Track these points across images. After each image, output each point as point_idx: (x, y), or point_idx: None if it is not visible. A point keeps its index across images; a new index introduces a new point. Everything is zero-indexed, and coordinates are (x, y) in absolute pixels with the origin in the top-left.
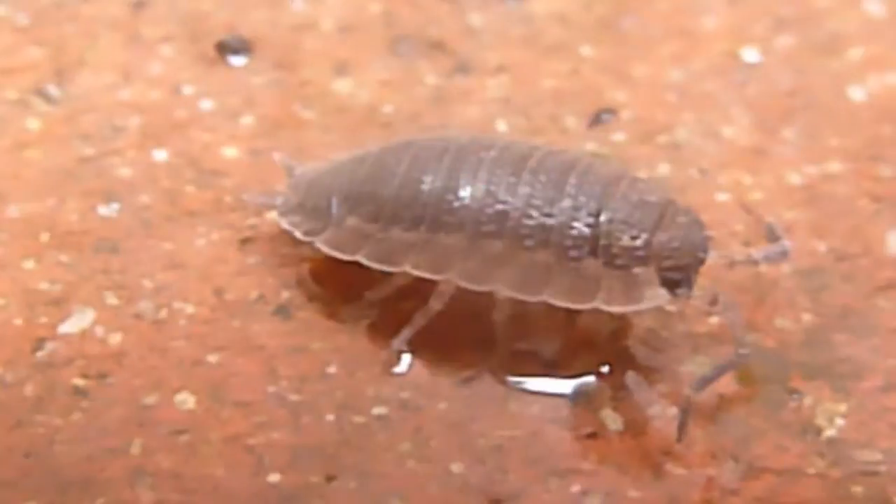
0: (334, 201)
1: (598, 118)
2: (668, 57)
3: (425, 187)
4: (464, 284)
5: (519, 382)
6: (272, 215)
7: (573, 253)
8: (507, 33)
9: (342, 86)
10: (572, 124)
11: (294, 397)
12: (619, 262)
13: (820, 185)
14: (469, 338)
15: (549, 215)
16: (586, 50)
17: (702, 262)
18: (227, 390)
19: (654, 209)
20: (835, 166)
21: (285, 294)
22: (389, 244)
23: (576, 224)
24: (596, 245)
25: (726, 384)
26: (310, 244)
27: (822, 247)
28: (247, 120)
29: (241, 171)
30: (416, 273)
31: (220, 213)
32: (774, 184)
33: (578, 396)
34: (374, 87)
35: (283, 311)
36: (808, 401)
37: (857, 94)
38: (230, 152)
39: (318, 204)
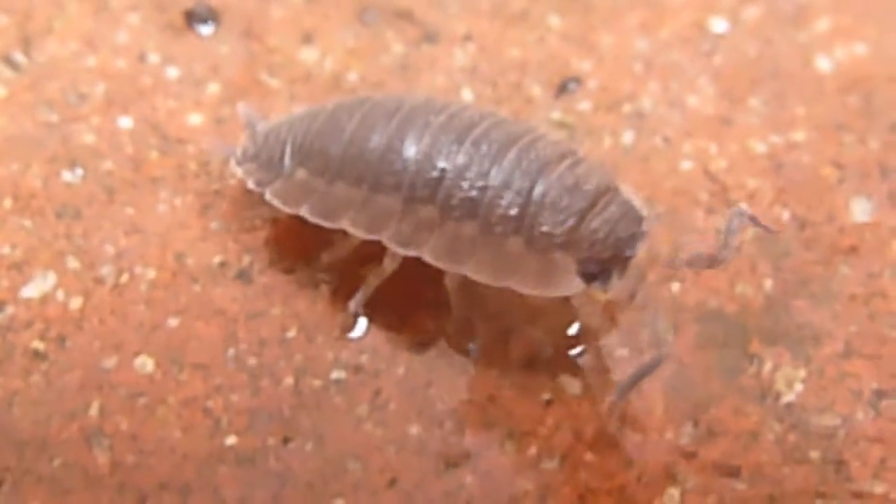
0: (287, 153)
1: (564, 87)
2: (634, 27)
3: (371, 145)
4: (393, 248)
5: (476, 349)
6: (233, 167)
7: (498, 229)
8: (475, 3)
9: (308, 54)
10: (538, 93)
11: (253, 361)
12: (538, 245)
13: (784, 153)
14: (428, 302)
15: (479, 188)
16: (553, 20)
17: (626, 259)
18: (186, 354)
19: (586, 196)
20: (799, 135)
21: (246, 259)
22: (332, 200)
23: (503, 201)
24: (521, 224)
25: (686, 349)
26: (267, 205)
27: (784, 214)
28: (212, 88)
29: (206, 138)
30: (353, 231)
31: (183, 180)
32: (739, 152)
33: (537, 362)
34: (340, 56)
35: (243, 275)
36: (767, 366)
37: (823, 64)
38: (195, 119)
39: (272, 155)
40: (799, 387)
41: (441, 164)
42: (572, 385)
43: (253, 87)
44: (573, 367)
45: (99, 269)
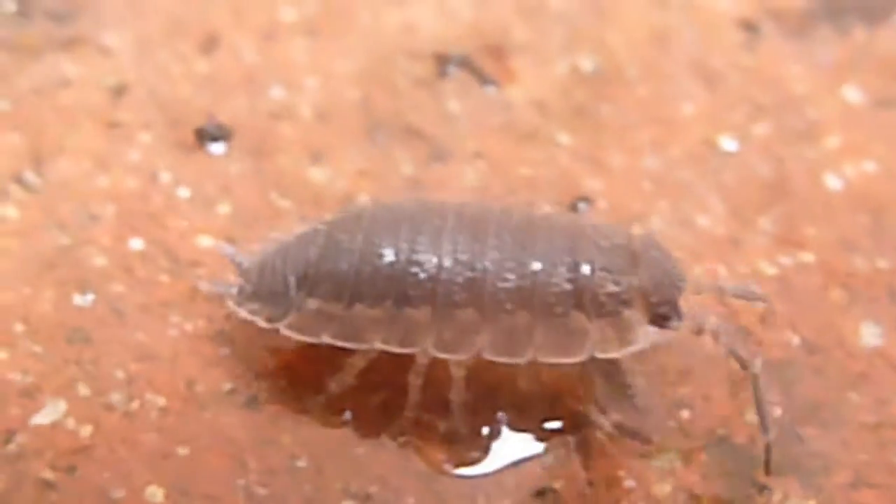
0: (291, 284)
1: (574, 207)
2: (644, 144)
3: (386, 261)
4: (440, 355)
5: (485, 472)
6: (233, 310)
7: (558, 309)
8: (485, 120)
9: (318, 174)
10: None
11: (262, 491)
12: (605, 309)
13: (794, 275)
14: (439, 432)
15: (525, 277)
16: (563, 138)
17: (682, 290)
18: (195, 483)
19: (627, 251)
20: (808, 256)
21: (256, 386)
22: (355, 322)
23: (555, 281)
24: (580, 298)
25: (694, 478)
26: (274, 331)
27: (794, 339)
28: (223, 209)
29: (217, 261)
30: (386, 349)
31: (193, 304)
32: (748, 274)
33: (546, 492)
34: (351, 176)
35: (253, 403)
36: (776, 496)
37: (833, 182)
38: (205, 242)
39: (274, 288)
40: None
41: (474, 265)
42: None
43: (263, 207)
44: (582, 499)
45: (109, 396)
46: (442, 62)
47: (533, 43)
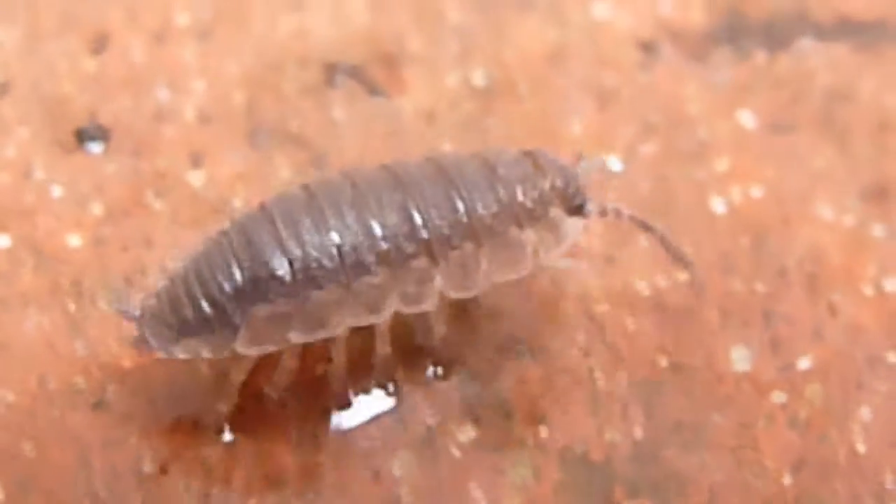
0: (223, 302)
1: None
2: None
3: (333, 238)
4: (407, 310)
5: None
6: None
7: (496, 230)
8: (370, 130)
9: (196, 177)
10: None
11: (103, 492)
12: (536, 214)
13: (668, 295)
14: (290, 438)
15: (459, 214)
16: (447, 148)
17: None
18: (38, 481)
19: (527, 160)
20: (685, 277)
21: (108, 386)
22: (315, 311)
23: (486, 205)
24: (511, 212)
25: (545, 497)
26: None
27: (662, 360)
28: (95, 208)
29: (83, 260)
30: (356, 324)
31: (54, 300)
32: (621, 291)
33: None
34: (228, 179)
35: (103, 403)
36: None
37: (718, 204)
38: (74, 240)
39: (202, 315)
40: None
41: (414, 218)
42: None
43: (136, 208)
44: None
45: None
46: (330, 70)
47: (427, 54)
